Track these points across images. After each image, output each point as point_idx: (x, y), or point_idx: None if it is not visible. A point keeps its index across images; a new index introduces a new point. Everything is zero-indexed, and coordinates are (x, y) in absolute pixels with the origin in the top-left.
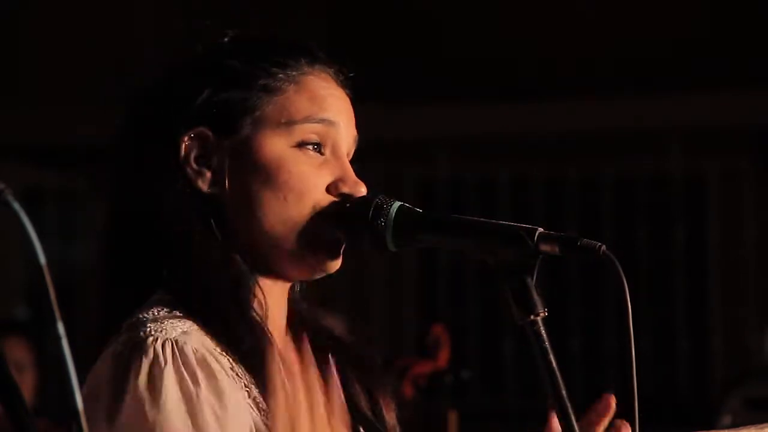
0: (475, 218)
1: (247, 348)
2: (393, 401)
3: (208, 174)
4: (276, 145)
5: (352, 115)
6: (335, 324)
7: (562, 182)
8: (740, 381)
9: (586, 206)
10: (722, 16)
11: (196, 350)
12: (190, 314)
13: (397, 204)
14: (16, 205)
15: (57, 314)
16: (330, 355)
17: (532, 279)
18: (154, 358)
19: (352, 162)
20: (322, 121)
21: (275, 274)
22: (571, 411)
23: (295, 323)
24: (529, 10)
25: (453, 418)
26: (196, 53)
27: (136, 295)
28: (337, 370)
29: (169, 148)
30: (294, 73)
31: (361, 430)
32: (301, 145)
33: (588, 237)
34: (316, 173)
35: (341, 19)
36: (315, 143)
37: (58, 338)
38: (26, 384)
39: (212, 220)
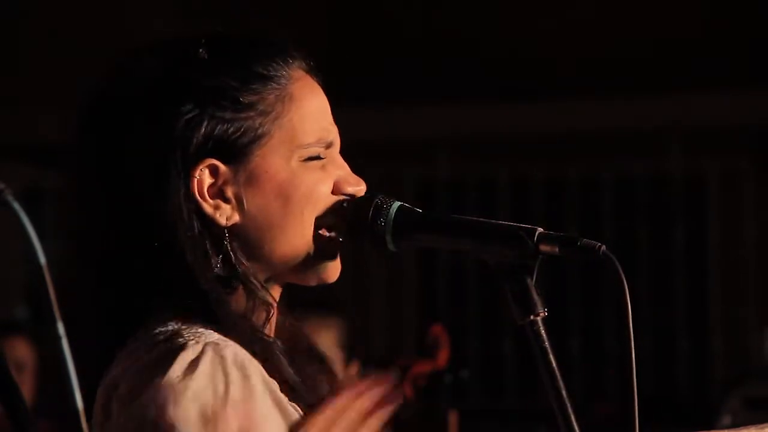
0: (475, 218)
1: (270, 366)
2: None
3: (227, 207)
4: (287, 166)
5: (329, 108)
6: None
7: (562, 182)
8: (740, 381)
9: (586, 206)
10: (722, 16)
11: (237, 354)
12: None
13: (397, 204)
14: (16, 205)
15: (57, 314)
16: (302, 356)
17: (532, 279)
18: (194, 358)
19: (351, 162)
20: (327, 143)
21: (280, 283)
22: (571, 411)
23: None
24: (529, 10)
25: (453, 418)
26: (174, 70)
27: (132, 316)
28: (309, 370)
29: (173, 182)
30: (280, 86)
31: None
32: (306, 159)
33: (588, 237)
34: (322, 180)
35: (341, 20)
36: (317, 156)
37: (58, 338)
38: (26, 384)
39: (230, 250)
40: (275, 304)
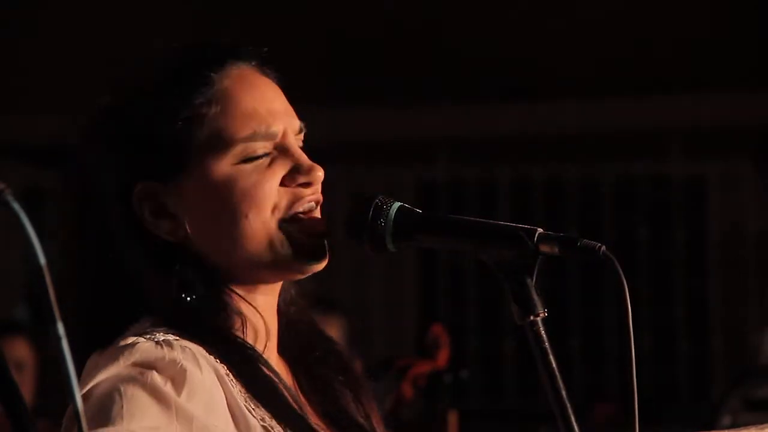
0: (475, 219)
1: (237, 365)
2: (376, 406)
3: (172, 223)
4: (220, 169)
5: (284, 98)
6: (318, 329)
7: (562, 182)
8: (740, 381)
9: (586, 206)
10: (722, 16)
11: (185, 347)
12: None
13: (397, 204)
14: (16, 205)
15: (57, 314)
16: (316, 363)
17: (532, 279)
18: (133, 342)
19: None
20: (259, 136)
21: (262, 285)
22: (570, 411)
23: (281, 328)
24: (529, 10)
25: (453, 418)
26: (104, 101)
27: (112, 327)
28: (325, 377)
29: (118, 210)
30: (210, 90)
31: None
32: (246, 160)
33: (588, 237)
34: (266, 177)
35: (341, 21)
36: (260, 155)
37: (58, 338)
38: (26, 384)
39: (186, 264)
40: (254, 311)
